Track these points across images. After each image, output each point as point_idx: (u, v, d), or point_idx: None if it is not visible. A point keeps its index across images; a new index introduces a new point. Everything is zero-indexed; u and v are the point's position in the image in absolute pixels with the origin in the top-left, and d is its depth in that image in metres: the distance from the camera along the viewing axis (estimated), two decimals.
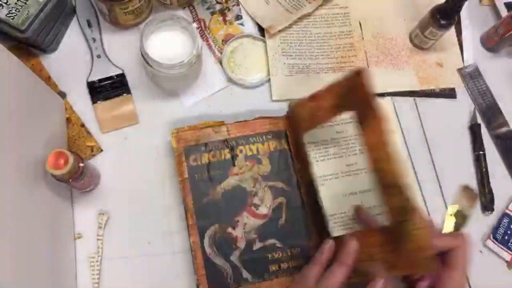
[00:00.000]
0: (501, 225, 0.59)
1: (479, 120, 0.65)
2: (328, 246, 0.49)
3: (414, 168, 0.61)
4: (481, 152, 0.63)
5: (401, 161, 0.45)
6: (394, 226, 0.45)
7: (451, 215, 0.56)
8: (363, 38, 0.67)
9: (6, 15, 0.53)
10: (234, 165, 0.56)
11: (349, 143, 0.59)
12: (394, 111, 0.63)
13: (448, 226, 0.57)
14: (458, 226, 0.57)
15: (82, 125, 0.59)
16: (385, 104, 0.63)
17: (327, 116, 0.52)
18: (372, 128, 0.46)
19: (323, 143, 0.59)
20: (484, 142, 0.63)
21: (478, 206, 0.61)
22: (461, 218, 0.56)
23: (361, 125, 0.48)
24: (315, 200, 0.54)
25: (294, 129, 0.57)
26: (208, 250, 0.53)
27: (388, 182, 0.46)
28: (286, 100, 0.63)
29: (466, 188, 0.56)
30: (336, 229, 0.56)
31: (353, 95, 0.48)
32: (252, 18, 0.67)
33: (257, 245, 0.54)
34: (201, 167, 0.56)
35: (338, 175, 0.58)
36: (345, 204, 0.56)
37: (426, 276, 0.46)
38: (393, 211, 0.45)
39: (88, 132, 0.59)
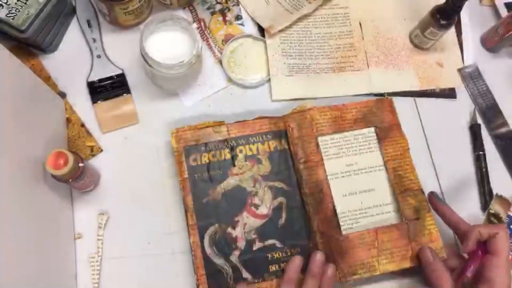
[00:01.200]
0: None
1: (479, 120, 0.65)
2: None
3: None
4: (481, 152, 0.63)
5: (415, 169, 0.57)
6: (408, 223, 0.55)
7: (490, 215, 0.59)
8: (363, 38, 0.67)
9: (6, 15, 0.53)
10: (234, 165, 0.56)
11: (348, 143, 0.59)
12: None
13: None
14: None
15: (82, 125, 0.59)
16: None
17: (347, 126, 0.59)
18: (392, 143, 0.59)
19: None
20: (484, 142, 0.63)
21: (478, 206, 0.61)
22: (497, 220, 0.59)
23: (380, 140, 0.59)
24: (319, 199, 0.55)
25: (305, 130, 0.57)
26: (208, 250, 0.53)
27: (406, 187, 0.57)
28: (286, 100, 0.63)
29: (499, 196, 0.59)
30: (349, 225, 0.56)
31: (377, 115, 0.60)
32: (252, 18, 0.67)
33: (257, 245, 0.54)
34: (201, 167, 0.56)
35: (338, 175, 0.58)
36: (345, 204, 0.56)
37: (470, 264, 0.49)
38: (409, 211, 0.55)
39: (88, 132, 0.59)
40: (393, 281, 0.56)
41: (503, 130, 0.65)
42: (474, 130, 0.64)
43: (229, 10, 0.67)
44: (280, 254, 0.54)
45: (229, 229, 0.54)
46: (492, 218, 0.59)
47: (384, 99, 0.61)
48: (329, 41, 0.67)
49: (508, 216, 0.60)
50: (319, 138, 0.58)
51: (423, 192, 0.56)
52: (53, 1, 0.56)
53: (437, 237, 0.54)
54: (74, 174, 0.48)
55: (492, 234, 0.49)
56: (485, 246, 0.50)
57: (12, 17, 0.54)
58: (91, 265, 0.54)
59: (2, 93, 0.43)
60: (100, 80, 0.61)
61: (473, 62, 0.68)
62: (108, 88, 0.61)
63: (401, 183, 0.57)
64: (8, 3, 0.54)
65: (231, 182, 0.56)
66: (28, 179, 0.47)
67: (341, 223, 0.55)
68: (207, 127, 0.57)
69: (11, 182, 0.43)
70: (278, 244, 0.54)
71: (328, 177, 0.57)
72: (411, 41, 0.68)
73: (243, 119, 0.58)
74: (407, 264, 0.53)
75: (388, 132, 0.59)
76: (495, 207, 0.56)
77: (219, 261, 0.53)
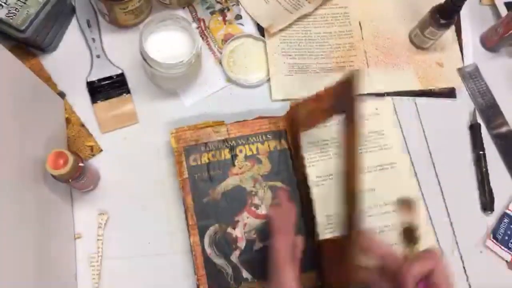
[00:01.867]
0: (501, 225, 0.59)
1: (479, 120, 0.65)
2: None
3: (414, 168, 0.61)
4: (481, 152, 0.62)
5: (363, 170, 0.46)
6: (343, 237, 0.44)
7: (404, 234, 0.45)
8: (363, 38, 0.67)
9: (5, 15, 0.53)
10: (234, 165, 0.56)
11: None
12: (394, 111, 0.63)
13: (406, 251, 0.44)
14: (413, 245, 0.44)
15: (82, 125, 0.59)
16: (385, 104, 0.63)
17: (323, 117, 0.53)
18: (349, 131, 0.45)
19: (319, 143, 0.59)
20: (484, 142, 0.63)
21: (478, 206, 0.61)
22: (411, 234, 0.45)
23: (345, 128, 0.46)
24: (307, 201, 0.55)
25: (293, 129, 0.57)
26: (208, 250, 0.53)
27: (348, 188, 0.43)
28: (286, 100, 0.63)
29: (402, 201, 0.45)
30: (330, 230, 0.56)
31: (344, 97, 0.46)
32: (252, 18, 0.67)
33: (257, 245, 0.54)
34: (201, 167, 0.55)
35: (333, 176, 0.58)
36: None
37: None
38: (345, 221, 0.43)
39: (88, 132, 0.59)
40: None
41: (503, 129, 0.65)
42: (474, 130, 0.64)
43: (229, 10, 0.67)
44: None
45: (229, 229, 0.54)
46: (407, 235, 0.44)
47: (349, 72, 0.48)
48: (329, 40, 0.67)
49: (508, 215, 0.60)
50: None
51: (361, 200, 0.42)
52: (53, 1, 0.56)
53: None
54: (74, 174, 0.48)
55: (427, 273, 0.40)
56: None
57: (12, 17, 0.54)
58: (91, 265, 0.54)
59: (2, 93, 0.43)
60: (100, 80, 0.61)
61: (473, 61, 0.68)
62: (107, 88, 0.61)
63: (346, 183, 0.44)
64: (7, 3, 0.54)
65: (231, 182, 0.56)
66: (28, 179, 0.47)
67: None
68: (207, 127, 0.57)
69: (11, 182, 0.43)
70: None
71: (328, 177, 0.56)
72: (411, 41, 0.68)
73: (243, 119, 0.58)
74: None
75: (349, 115, 0.45)
76: (402, 217, 0.43)
77: (219, 261, 0.53)
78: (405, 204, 0.44)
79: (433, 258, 0.41)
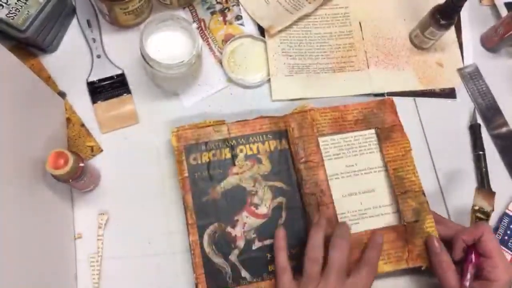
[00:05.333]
0: (501, 225, 0.59)
1: (479, 120, 0.65)
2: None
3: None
4: (481, 152, 0.62)
5: (417, 171, 0.57)
6: (406, 225, 0.54)
7: (475, 211, 0.57)
8: (363, 38, 0.67)
9: (6, 15, 0.54)
10: (234, 164, 0.56)
11: (349, 144, 0.59)
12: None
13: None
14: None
15: (82, 125, 0.59)
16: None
17: (348, 127, 0.59)
18: (393, 144, 0.58)
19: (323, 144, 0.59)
20: (484, 142, 0.63)
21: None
22: (483, 215, 0.58)
23: (381, 141, 0.58)
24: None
25: (305, 130, 0.57)
26: (207, 249, 0.53)
27: (406, 188, 0.56)
28: (286, 100, 0.63)
29: (480, 189, 0.58)
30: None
31: (378, 116, 0.60)
32: (252, 18, 0.67)
33: (257, 245, 0.54)
34: (201, 166, 0.56)
35: (338, 176, 0.58)
36: (345, 205, 0.56)
37: (466, 273, 0.48)
38: (408, 212, 0.55)
39: (88, 132, 0.59)
40: (390, 281, 0.56)
41: (503, 130, 0.65)
42: (474, 130, 0.64)
43: (229, 10, 0.67)
44: None
45: (229, 228, 0.54)
46: (478, 214, 0.58)
47: (385, 99, 0.61)
48: (329, 41, 0.67)
49: (508, 215, 0.60)
50: (320, 139, 0.58)
51: (424, 194, 0.56)
52: (53, 1, 0.56)
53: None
54: (74, 174, 0.48)
55: (476, 239, 0.49)
56: (476, 247, 0.49)
57: (12, 17, 0.54)
58: (91, 265, 0.54)
59: (2, 93, 0.43)
60: (100, 80, 0.61)
61: (473, 62, 0.68)
62: (108, 88, 0.61)
63: (402, 184, 0.56)
64: (8, 3, 0.54)
65: (231, 181, 0.56)
66: (28, 179, 0.47)
67: None
68: (208, 126, 0.57)
69: (11, 182, 0.43)
70: None
71: (328, 178, 0.56)
72: (411, 41, 0.68)
73: (243, 119, 0.58)
74: (403, 266, 0.53)
75: (389, 133, 0.59)
76: (478, 201, 0.55)
77: (218, 260, 0.53)
78: (485, 192, 0.55)
79: (480, 229, 0.49)
